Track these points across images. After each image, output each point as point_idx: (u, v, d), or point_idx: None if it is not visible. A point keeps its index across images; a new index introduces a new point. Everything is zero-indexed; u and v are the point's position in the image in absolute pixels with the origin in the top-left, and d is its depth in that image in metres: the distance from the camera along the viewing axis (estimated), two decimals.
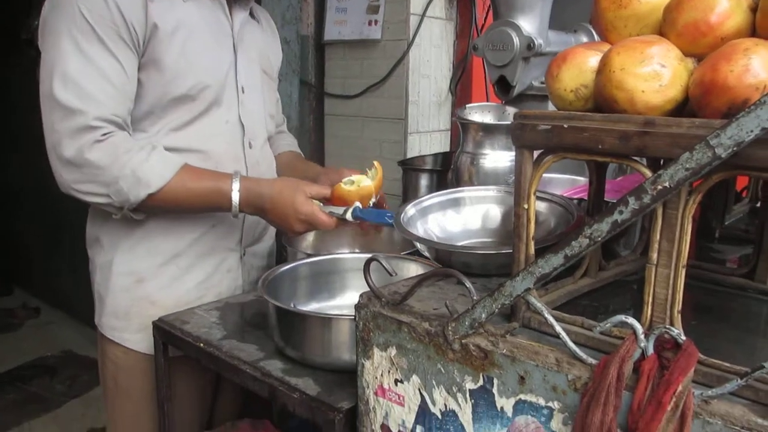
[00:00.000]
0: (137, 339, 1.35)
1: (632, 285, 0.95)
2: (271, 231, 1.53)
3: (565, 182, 1.42)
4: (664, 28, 0.78)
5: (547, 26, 1.51)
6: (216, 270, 1.39)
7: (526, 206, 0.81)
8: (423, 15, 2.00)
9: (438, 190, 1.77)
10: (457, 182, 1.47)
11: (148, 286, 1.33)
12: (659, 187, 0.66)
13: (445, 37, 2.12)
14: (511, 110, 1.50)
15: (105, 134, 1.14)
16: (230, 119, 1.34)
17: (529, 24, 1.45)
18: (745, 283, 0.97)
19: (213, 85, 1.28)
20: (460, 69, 2.14)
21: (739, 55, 0.67)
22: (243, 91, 1.36)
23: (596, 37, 1.17)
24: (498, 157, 1.40)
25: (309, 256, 1.33)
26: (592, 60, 0.81)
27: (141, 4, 1.17)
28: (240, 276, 1.44)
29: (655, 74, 0.72)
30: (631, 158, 0.73)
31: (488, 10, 2.04)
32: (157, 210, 1.24)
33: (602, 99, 0.76)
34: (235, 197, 1.21)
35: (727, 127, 0.62)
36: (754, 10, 0.73)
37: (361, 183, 1.27)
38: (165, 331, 1.26)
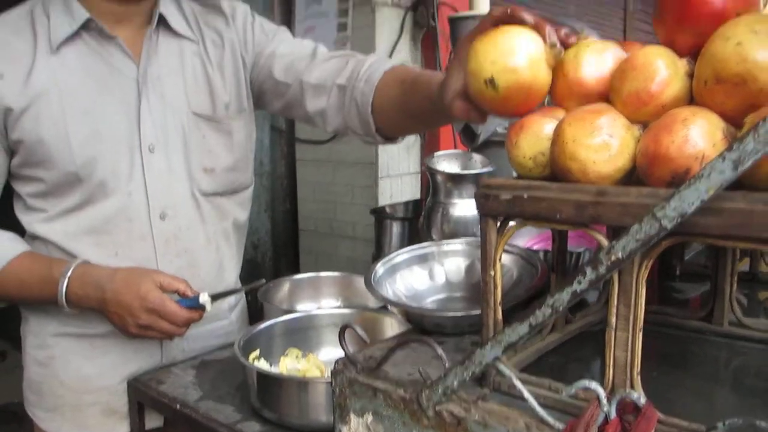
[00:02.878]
0: (47, 418, 1.26)
1: (598, 335, 0.98)
2: (233, 311, 1.41)
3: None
4: (611, 96, 0.83)
5: None
6: (135, 353, 1.25)
7: (492, 273, 0.84)
8: (390, 57, 2.05)
9: (410, 237, 1.82)
10: (428, 230, 1.50)
11: (57, 364, 1.22)
12: (613, 258, 0.69)
13: None
14: (477, 157, 1.54)
15: None
16: (133, 190, 1.14)
17: None
18: (704, 326, 1.01)
19: (99, 155, 1.10)
20: None
21: (679, 126, 0.71)
22: (151, 150, 1.14)
23: None
24: (466, 206, 1.44)
25: (285, 312, 1.35)
26: (548, 127, 0.85)
27: None
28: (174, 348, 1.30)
29: (604, 145, 0.76)
30: (589, 226, 0.77)
31: (451, 53, 2.09)
32: None
33: (558, 169, 0.80)
34: (63, 284, 1.07)
35: (670, 199, 0.66)
36: (690, 75, 0.78)
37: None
38: (140, 392, 1.26)
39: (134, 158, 1.13)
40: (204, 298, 1.10)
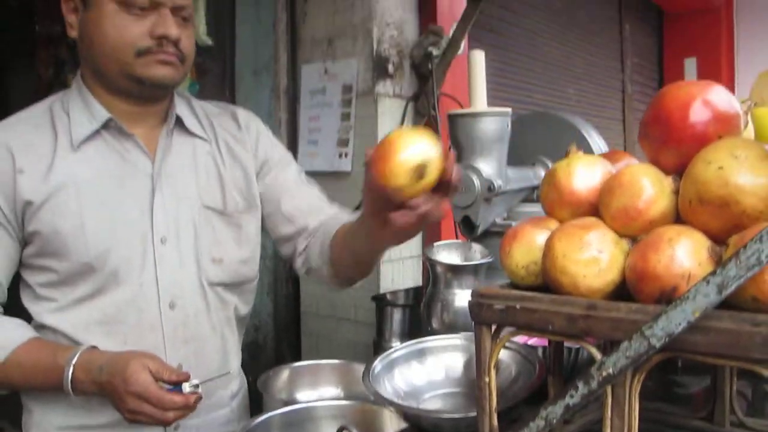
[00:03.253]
0: None
1: None
2: (234, 399, 1.37)
3: None
4: (600, 210, 0.86)
5: (505, 166, 1.61)
6: None
7: (487, 379, 0.85)
8: None
9: (411, 324, 1.83)
10: (429, 320, 1.51)
11: None
12: (604, 373, 0.71)
13: None
14: (477, 248, 1.56)
15: None
16: (145, 280, 1.15)
17: (488, 166, 1.55)
18: (705, 426, 1.01)
19: (114, 246, 1.12)
20: None
21: (664, 245, 0.74)
22: (163, 242, 1.16)
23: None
24: (466, 297, 1.44)
25: (285, 403, 1.34)
26: (540, 238, 0.88)
27: (9, 180, 1.09)
28: None
29: (594, 260, 0.79)
30: (581, 338, 0.78)
31: (450, 147, 2.16)
32: (4, 385, 1.14)
33: (549, 281, 0.82)
34: (68, 371, 1.06)
35: (658, 319, 0.68)
36: (676, 193, 0.82)
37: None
38: None
39: (146, 249, 1.15)
40: (186, 389, 1.05)
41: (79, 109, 1.13)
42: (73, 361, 1.06)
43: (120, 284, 1.14)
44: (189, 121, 1.23)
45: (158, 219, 1.16)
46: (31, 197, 1.08)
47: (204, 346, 1.25)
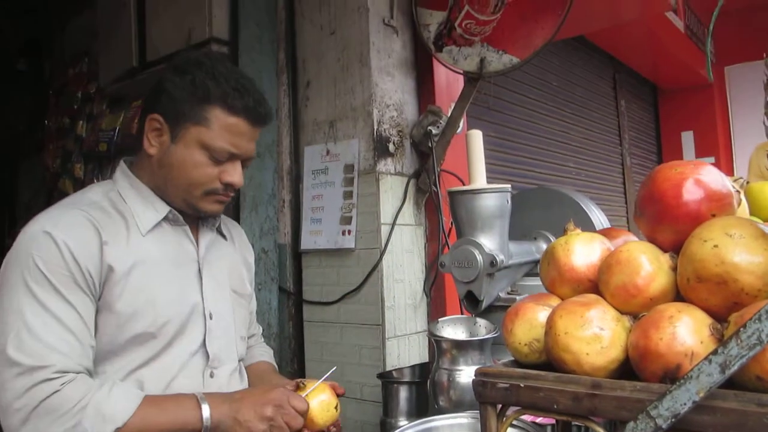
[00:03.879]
0: None
1: None
2: None
3: None
4: (600, 287, 0.87)
5: (507, 240, 1.62)
6: None
7: None
8: (393, 224, 2.14)
9: (418, 401, 1.80)
10: (435, 397, 1.48)
11: None
12: None
13: (416, 242, 2.24)
14: (482, 322, 1.56)
15: (63, 383, 1.08)
16: (195, 349, 1.28)
17: (490, 241, 1.56)
18: None
19: (175, 318, 1.24)
20: (433, 270, 2.24)
21: (665, 323, 0.74)
22: (211, 317, 1.31)
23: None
24: (473, 373, 1.43)
25: None
26: (541, 315, 0.89)
27: (96, 248, 1.17)
28: None
29: (596, 337, 0.79)
30: (587, 418, 0.77)
31: (451, 223, 2.18)
32: None
33: (552, 358, 0.82)
34: (201, 397, 1.17)
35: (663, 399, 0.68)
36: (674, 269, 0.83)
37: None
38: None
39: (198, 321, 1.28)
40: None
41: (139, 202, 1.28)
42: (203, 396, 1.17)
43: (173, 351, 1.24)
44: (222, 227, 1.44)
45: (207, 296, 1.31)
46: (114, 265, 1.18)
47: None
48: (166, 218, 1.28)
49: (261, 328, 1.68)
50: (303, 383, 1.24)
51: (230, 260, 1.42)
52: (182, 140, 1.23)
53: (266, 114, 1.28)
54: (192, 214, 1.32)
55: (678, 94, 6.03)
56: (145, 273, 1.21)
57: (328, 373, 1.28)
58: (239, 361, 1.40)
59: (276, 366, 1.60)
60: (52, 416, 1.07)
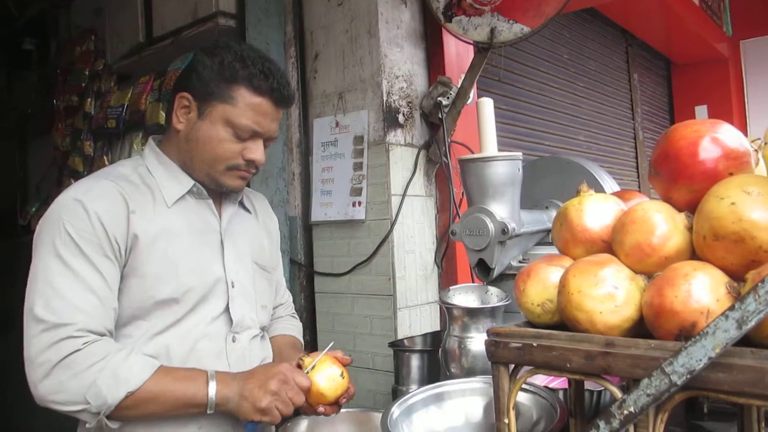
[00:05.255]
0: None
1: None
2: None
3: None
4: (613, 247, 0.86)
5: (518, 209, 1.61)
6: None
7: (506, 420, 0.83)
8: (404, 195, 2.13)
9: (429, 369, 1.81)
10: (447, 365, 1.49)
11: None
12: (625, 412, 0.69)
13: (427, 213, 2.24)
14: (493, 290, 1.56)
15: (85, 343, 1.15)
16: (217, 315, 1.34)
17: (502, 209, 1.55)
18: None
19: (197, 286, 1.30)
20: (444, 241, 2.24)
21: (681, 281, 0.73)
22: (233, 286, 1.37)
23: None
24: (484, 340, 1.43)
25: None
26: (554, 275, 0.88)
27: (124, 217, 1.23)
28: None
29: (609, 296, 0.78)
30: (600, 376, 0.77)
31: (462, 192, 2.17)
32: (133, 415, 1.20)
33: (566, 318, 0.81)
34: (211, 374, 1.21)
35: (678, 355, 0.67)
36: (690, 229, 0.81)
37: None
38: None
39: (221, 290, 1.34)
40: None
41: (166, 176, 1.34)
42: (214, 373, 1.21)
43: (196, 317, 1.30)
44: (245, 201, 1.50)
45: (229, 267, 1.36)
46: (140, 234, 1.24)
47: None
48: (190, 191, 1.34)
49: (290, 297, 1.70)
50: (302, 359, 1.27)
51: (252, 233, 1.48)
52: (209, 117, 1.28)
53: (289, 96, 1.34)
54: (215, 189, 1.36)
55: (692, 68, 5.93)
56: (169, 242, 1.27)
57: (326, 349, 1.30)
58: (261, 329, 1.45)
59: (301, 340, 1.64)
60: (71, 372, 1.13)
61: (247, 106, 1.28)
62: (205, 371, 1.22)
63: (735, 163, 0.80)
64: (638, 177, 4.93)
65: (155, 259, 1.26)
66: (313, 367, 1.24)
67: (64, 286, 1.17)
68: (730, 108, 5.77)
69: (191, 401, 1.20)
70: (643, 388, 0.68)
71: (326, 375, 1.24)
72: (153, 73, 2.88)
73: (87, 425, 1.21)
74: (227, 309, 1.35)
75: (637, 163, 4.93)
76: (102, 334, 1.19)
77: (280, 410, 1.19)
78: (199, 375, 1.22)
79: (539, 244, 1.71)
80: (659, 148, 0.85)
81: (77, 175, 3.27)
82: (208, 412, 1.21)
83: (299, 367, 1.26)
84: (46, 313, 1.14)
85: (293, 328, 1.65)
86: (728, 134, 0.83)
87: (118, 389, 1.15)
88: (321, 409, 1.25)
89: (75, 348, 1.14)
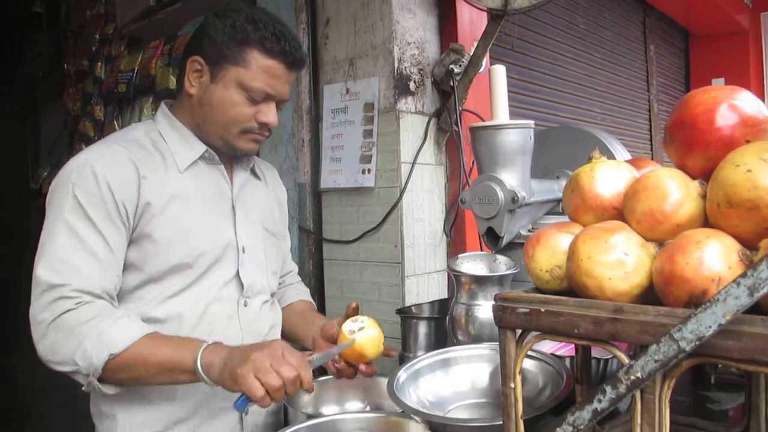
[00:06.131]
0: None
1: None
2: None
3: None
4: (624, 214, 0.85)
5: (529, 177, 1.60)
6: None
7: (512, 385, 0.84)
8: (414, 162, 2.12)
9: (437, 336, 1.82)
10: (454, 332, 1.49)
11: None
12: (632, 377, 0.69)
13: (437, 181, 2.23)
14: (501, 259, 1.55)
15: (78, 303, 1.15)
16: (229, 279, 1.36)
17: (512, 177, 1.54)
18: None
19: (209, 250, 1.31)
20: (453, 210, 2.23)
21: (692, 248, 0.72)
22: (244, 251, 1.38)
23: None
24: (491, 308, 1.43)
25: (309, 417, 1.34)
26: (564, 242, 0.88)
27: (134, 184, 1.24)
28: None
29: (619, 262, 0.78)
30: (608, 342, 0.77)
31: (470, 166, 2.16)
32: (122, 378, 1.19)
33: (574, 284, 0.81)
34: (203, 345, 1.16)
35: (687, 321, 0.67)
36: (704, 197, 0.80)
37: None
38: None
39: (232, 255, 1.36)
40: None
41: (178, 141, 1.35)
42: (205, 344, 1.17)
43: (208, 281, 1.32)
44: (256, 169, 1.52)
45: (240, 232, 1.38)
46: (151, 200, 1.25)
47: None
48: (202, 157, 1.35)
49: (296, 267, 1.74)
50: (344, 322, 1.31)
51: (263, 199, 1.50)
52: (221, 80, 1.28)
53: (301, 59, 1.34)
54: (228, 153, 1.37)
55: (710, 40, 5.80)
56: (181, 207, 1.29)
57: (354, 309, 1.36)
58: (271, 294, 1.48)
59: (314, 304, 1.67)
60: (63, 332, 1.15)
61: (260, 68, 1.27)
62: (203, 341, 1.18)
63: (753, 131, 0.79)
64: (651, 149, 4.87)
65: (167, 223, 1.27)
66: (362, 328, 1.27)
67: (67, 248, 1.18)
68: (748, 81, 5.66)
69: (178, 366, 1.17)
70: (651, 353, 0.68)
71: (366, 335, 1.26)
72: (163, 38, 2.86)
73: (83, 389, 1.20)
74: (238, 274, 1.36)
75: (651, 135, 4.87)
76: (99, 297, 1.19)
77: (262, 382, 1.10)
78: (193, 343, 1.19)
79: (549, 213, 1.70)
80: (675, 114, 0.84)
81: (88, 140, 3.28)
82: (203, 383, 1.15)
83: (341, 326, 1.29)
84: (47, 274, 1.16)
85: (304, 293, 1.68)
86: (747, 101, 0.81)
87: (102, 351, 1.14)
88: (362, 367, 1.28)
89: (67, 308, 1.15)
